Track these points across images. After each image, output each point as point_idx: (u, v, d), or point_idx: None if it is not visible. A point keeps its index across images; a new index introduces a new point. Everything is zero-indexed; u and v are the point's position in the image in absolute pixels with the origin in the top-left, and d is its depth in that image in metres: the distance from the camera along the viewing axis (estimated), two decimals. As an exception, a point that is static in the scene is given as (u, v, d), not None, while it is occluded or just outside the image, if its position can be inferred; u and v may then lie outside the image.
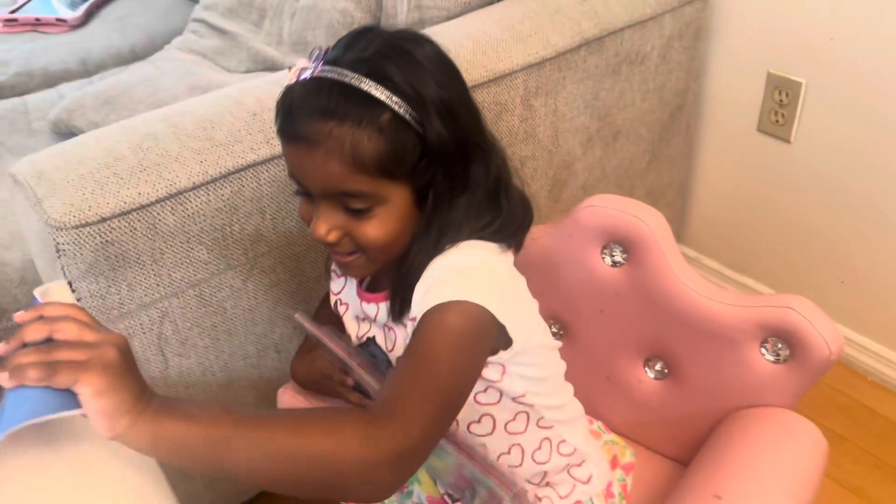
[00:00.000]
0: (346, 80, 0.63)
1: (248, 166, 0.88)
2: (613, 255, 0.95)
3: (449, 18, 1.21)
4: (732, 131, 1.44)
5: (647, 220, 0.92)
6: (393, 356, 0.77)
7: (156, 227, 0.83)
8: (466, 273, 0.66)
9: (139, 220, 0.82)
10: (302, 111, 0.64)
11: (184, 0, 1.99)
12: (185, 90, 1.36)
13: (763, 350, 0.88)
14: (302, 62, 0.67)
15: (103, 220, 0.79)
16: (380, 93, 0.63)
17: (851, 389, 1.37)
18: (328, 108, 0.63)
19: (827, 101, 1.28)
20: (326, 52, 0.66)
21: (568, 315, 1.00)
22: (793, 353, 0.85)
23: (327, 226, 0.67)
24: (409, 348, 0.61)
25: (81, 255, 0.79)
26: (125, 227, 0.81)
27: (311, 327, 0.80)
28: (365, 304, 0.78)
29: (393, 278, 0.71)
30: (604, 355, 0.99)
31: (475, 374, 0.64)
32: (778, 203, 1.44)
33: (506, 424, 0.77)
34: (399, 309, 0.71)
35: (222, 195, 0.87)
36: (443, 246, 0.68)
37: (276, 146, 0.89)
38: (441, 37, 1.08)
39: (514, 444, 0.79)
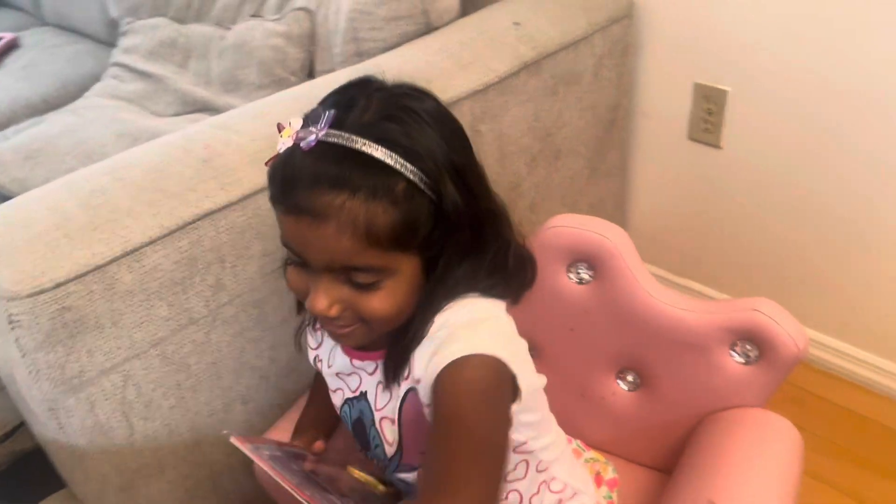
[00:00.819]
0: (358, 146, 0.58)
1: (205, 215, 0.85)
2: (580, 273, 0.96)
3: (385, 49, 1.20)
4: (665, 141, 1.49)
5: (609, 236, 0.93)
6: (378, 416, 0.72)
7: (114, 288, 0.79)
8: (473, 326, 0.64)
9: (96, 282, 0.77)
10: (306, 181, 0.59)
11: (94, 45, 1.92)
12: (113, 137, 1.31)
13: (733, 353, 0.91)
14: (296, 122, 0.62)
15: (58, 285, 0.74)
16: (394, 161, 0.59)
17: (800, 380, 1.43)
18: (340, 178, 0.58)
19: (752, 106, 1.34)
20: (330, 115, 0.60)
21: (539, 335, 1.00)
22: (762, 353, 0.88)
23: (328, 300, 0.62)
24: (436, 416, 0.60)
25: (38, 324, 0.74)
26: (82, 290, 0.76)
27: (248, 452, 0.67)
28: (357, 362, 0.74)
29: (391, 341, 0.68)
30: (576, 372, 1.00)
31: (508, 424, 0.62)
32: (713, 206, 1.49)
33: (507, 475, 0.75)
34: (394, 372, 0.67)
35: (180, 247, 0.83)
36: (443, 306, 0.65)
37: (232, 192, 0.86)
38: (383, 68, 1.09)
39: (511, 491, 0.78)
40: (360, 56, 1.23)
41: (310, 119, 0.62)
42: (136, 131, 1.29)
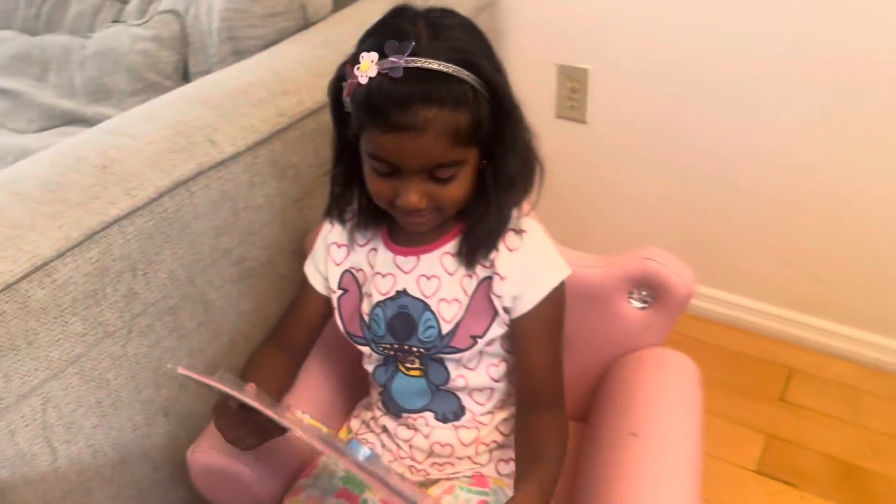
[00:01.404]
0: (434, 67, 0.70)
1: (113, 222, 0.82)
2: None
3: (265, 47, 1.20)
4: (535, 121, 1.57)
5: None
6: (433, 300, 0.85)
7: (27, 306, 0.75)
8: (553, 254, 0.86)
9: (7, 301, 0.73)
10: (403, 102, 0.70)
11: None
12: (-28, 161, 1.22)
13: (631, 300, 0.99)
14: (370, 56, 0.72)
15: (-34, 308, 0.70)
16: (462, 73, 0.72)
17: (678, 326, 1.56)
18: (430, 95, 0.70)
19: (612, 81, 1.46)
20: (402, 45, 0.71)
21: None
22: (657, 297, 0.98)
23: (419, 195, 0.76)
24: (548, 319, 0.85)
25: (-53, 352, 0.70)
26: (-9, 311, 0.72)
27: (199, 377, 0.72)
28: (401, 258, 0.86)
29: (466, 231, 0.83)
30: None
31: None
32: (583, 177, 1.60)
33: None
34: (471, 258, 0.83)
35: (90, 258, 0.80)
36: (511, 207, 0.82)
37: (138, 197, 0.84)
38: (269, 65, 1.09)
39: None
40: (238, 55, 1.22)
41: (387, 50, 0.71)
42: (1, 151, 1.21)
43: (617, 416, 0.93)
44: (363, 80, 0.72)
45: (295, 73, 1.07)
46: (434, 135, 0.71)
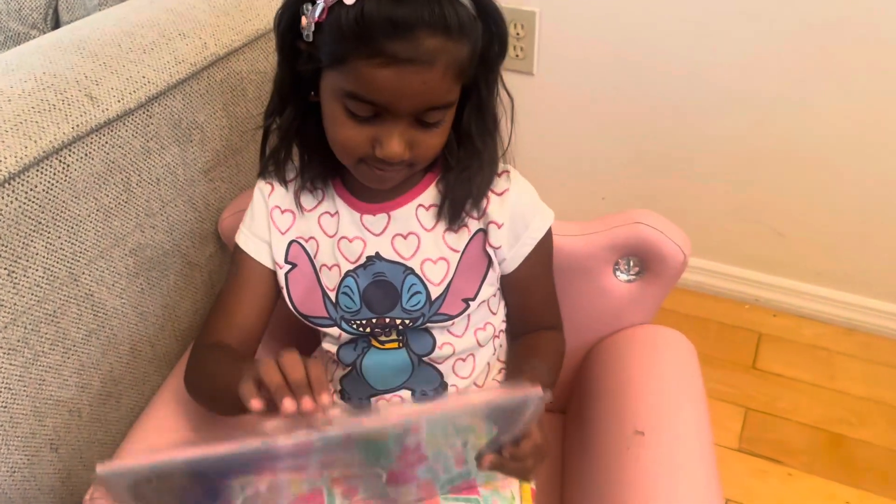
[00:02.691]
0: None
1: (-44, 207, 0.61)
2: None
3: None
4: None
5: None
6: (415, 262, 0.73)
7: None
8: (538, 200, 0.77)
9: None
10: (409, 27, 0.58)
11: None
12: None
13: (617, 272, 0.85)
14: None
15: None
16: (469, 1, 0.61)
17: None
18: (443, 21, 0.59)
19: (562, 26, 1.30)
20: None
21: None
22: (647, 266, 0.84)
23: (403, 144, 0.64)
24: (542, 260, 0.77)
25: None
26: None
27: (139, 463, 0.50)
28: (368, 217, 0.74)
29: (454, 186, 0.72)
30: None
31: None
32: (531, 135, 1.45)
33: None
34: (456, 212, 0.72)
35: (-74, 257, 0.59)
36: (496, 149, 0.73)
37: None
38: (162, 2, 0.87)
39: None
40: (122, -4, 1.00)
41: None
42: None
43: (614, 410, 0.79)
44: (349, 1, 0.58)
45: (195, 12, 0.86)
46: (442, 69, 0.60)
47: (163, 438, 0.75)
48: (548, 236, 0.77)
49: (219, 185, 0.90)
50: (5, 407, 0.70)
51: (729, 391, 1.28)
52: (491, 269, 0.74)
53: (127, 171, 0.76)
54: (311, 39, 0.63)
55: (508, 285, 0.78)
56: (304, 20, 0.62)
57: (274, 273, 0.77)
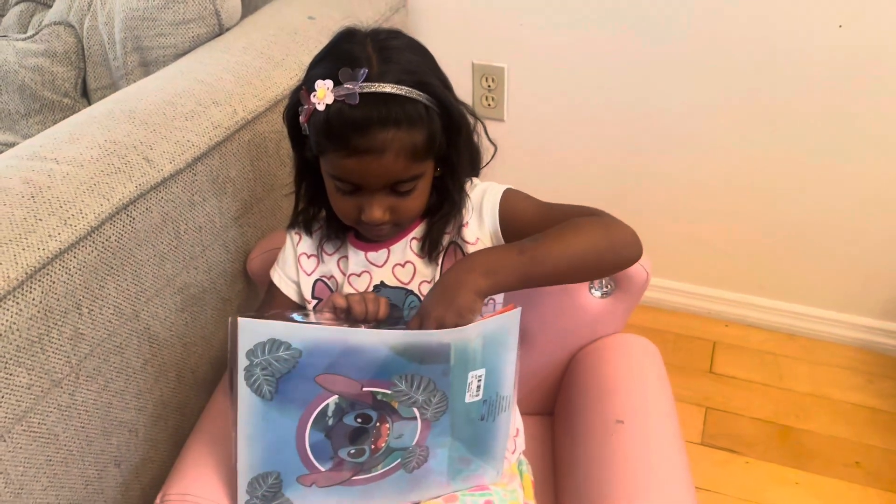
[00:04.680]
0: (388, 90, 0.72)
1: (54, 257, 0.73)
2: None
3: (178, 56, 1.12)
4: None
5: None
6: (413, 285, 0.86)
7: (-34, 361, 0.65)
8: (487, 185, 0.88)
9: (-56, 359, 0.63)
10: (362, 126, 0.72)
11: None
12: None
13: (591, 290, 1.00)
14: (325, 84, 0.73)
15: None
16: (414, 94, 0.74)
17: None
18: (387, 118, 0.72)
19: (528, 79, 1.47)
20: (355, 72, 0.72)
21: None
22: (618, 284, 0.99)
23: (382, 210, 0.79)
24: (519, 204, 0.87)
25: None
26: (-72, 372, 0.62)
27: (267, 320, 0.69)
28: (372, 254, 0.87)
29: (432, 228, 0.85)
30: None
31: None
32: (503, 175, 1.61)
33: None
34: (434, 246, 0.85)
35: (33, 299, 0.71)
36: (463, 192, 0.85)
37: (77, 227, 0.75)
38: (193, 75, 1.01)
39: None
40: (147, 66, 1.13)
41: (341, 77, 0.73)
42: None
43: (596, 405, 0.93)
44: (320, 108, 0.74)
45: (223, 82, 1.00)
46: (394, 154, 0.74)
47: (216, 451, 0.87)
48: (507, 196, 0.87)
49: (246, 230, 1.03)
50: (83, 427, 0.81)
51: (690, 394, 1.44)
52: None
53: (177, 221, 0.89)
54: (306, 132, 0.78)
55: (516, 236, 0.85)
56: (300, 118, 0.78)
57: (296, 305, 0.90)
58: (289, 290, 0.90)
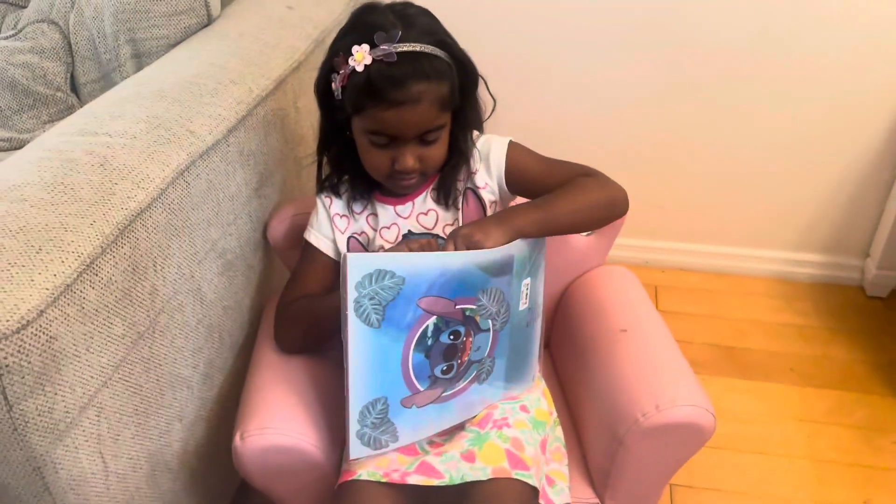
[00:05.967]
0: (419, 49, 0.84)
1: (136, 216, 0.79)
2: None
3: (171, 46, 1.18)
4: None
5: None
6: (438, 229, 0.97)
7: (84, 308, 0.71)
8: (494, 138, 0.98)
9: (69, 304, 0.69)
10: (400, 81, 0.83)
11: None
12: None
13: (579, 230, 1.15)
14: (362, 48, 0.84)
15: (41, 312, 0.65)
16: (437, 51, 0.85)
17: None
18: (421, 72, 0.84)
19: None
20: (390, 34, 0.83)
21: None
22: (600, 222, 1.14)
23: (413, 158, 0.89)
24: (523, 157, 0.97)
25: (29, 364, 0.64)
26: (59, 315, 0.68)
27: (382, 255, 0.83)
28: (400, 207, 0.97)
29: (444, 177, 0.96)
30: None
31: None
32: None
33: None
34: (448, 194, 0.96)
35: (124, 254, 0.77)
36: (469, 142, 0.96)
37: (149, 189, 0.82)
38: (203, 59, 1.08)
39: None
40: (140, 57, 1.18)
41: (377, 40, 0.83)
42: None
43: (597, 321, 1.07)
44: (360, 69, 0.84)
45: (233, 64, 1.07)
46: (427, 104, 0.85)
47: (278, 393, 0.94)
48: (512, 147, 0.97)
49: (263, 201, 1.10)
50: (158, 380, 0.87)
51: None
52: (487, 211, 0.97)
53: (217, 189, 0.96)
54: (340, 97, 0.89)
55: (522, 187, 0.98)
56: (333, 85, 0.89)
57: (334, 261, 0.99)
58: (327, 248, 0.99)
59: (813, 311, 1.66)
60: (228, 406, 1.06)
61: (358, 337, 0.77)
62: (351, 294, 0.75)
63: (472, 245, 0.82)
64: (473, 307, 0.84)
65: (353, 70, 0.84)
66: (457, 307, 0.82)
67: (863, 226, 1.67)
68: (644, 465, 0.93)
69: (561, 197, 0.90)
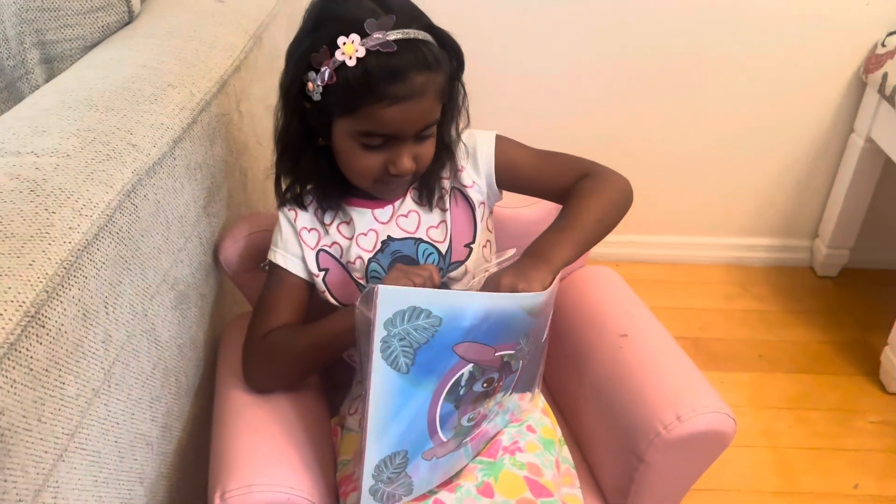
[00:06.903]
0: (413, 36, 0.73)
1: (81, 250, 0.65)
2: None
3: (88, 48, 1.02)
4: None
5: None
6: (421, 232, 0.87)
7: (32, 368, 0.57)
8: (478, 132, 0.90)
9: (14, 367, 0.55)
10: (403, 72, 0.73)
11: None
12: None
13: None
14: (351, 38, 0.72)
15: None
16: (430, 38, 0.76)
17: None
18: (425, 61, 0.74)
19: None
20: (382, 21, 0.72)
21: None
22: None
23: (410, 159, 0.79)
24: (513, 151, 0.90)
25: None
26: (3, 382, 0.54)
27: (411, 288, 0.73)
28: (378, 211, 0.88)
29: (427, 175, 0.86)
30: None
31: None
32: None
33: None
34: (431, 193, 0.87)
35: (72, 297, 0.63)
36: (457, 144, 0.88)
37: (92, 216, 0.68)
38: (132, 61, 0.96)
39: None
40: (51, 62, 1.02)
41: (367, 28, 0.72)
42: None
43: (593, 327, 1.00)
44: (351, 63, 0.73)
45: (169, 65, 0.93)
46: (430, 97, 0.77)
47: (258, 443, 0.82)
48: (500, 141, 0.90)
49: (212, 220, 0.97)
50: (116, 441, 0.73)
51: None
52: (476, 212, 0.89)
53: (166, 210, 0.82)
54: (318, 99, 0.77)
55: (513, 184, 0.90)
56: (310, 86, 0.76)
57: (306, 282, 0.88)
58: (296, 268, 0.88)
59: (770, 295, 1.66)
60: (189, 458, 0.93)
61: (382, 382, 0.65)
62: (379, 333, 0.64)
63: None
64: (512, 352, 0.74)
65: (342, 65, 0.73)
66: (496, 354, 0.72)
67: (811, 207, 1.69)
68: (666, 480, 0.87)
69: (583, 209, 0.83)
